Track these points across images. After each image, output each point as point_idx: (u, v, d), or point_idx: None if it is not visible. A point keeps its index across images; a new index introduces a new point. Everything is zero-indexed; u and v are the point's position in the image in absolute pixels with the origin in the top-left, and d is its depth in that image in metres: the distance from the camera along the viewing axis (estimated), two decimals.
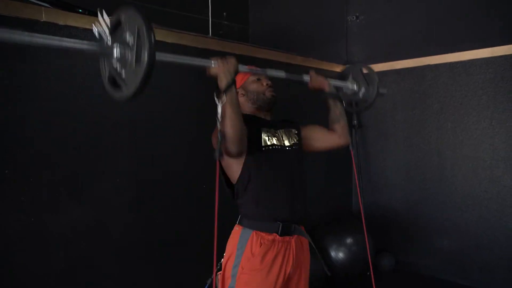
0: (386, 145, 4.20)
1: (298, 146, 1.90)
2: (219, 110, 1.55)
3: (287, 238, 1.73)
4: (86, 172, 2.45)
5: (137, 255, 2.61)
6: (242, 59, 3.17)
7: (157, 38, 2.68)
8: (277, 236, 1.70)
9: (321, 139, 2.01)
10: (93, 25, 1.39)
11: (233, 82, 1.57)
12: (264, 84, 1.88)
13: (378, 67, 4.20)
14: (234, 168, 1.72)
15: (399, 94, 4.07)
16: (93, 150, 2.47)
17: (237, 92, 1.64)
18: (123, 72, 1.36)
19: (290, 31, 4.80)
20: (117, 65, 1.37)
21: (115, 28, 1.39)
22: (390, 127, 4.15)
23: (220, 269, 1.75)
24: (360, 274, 3.68)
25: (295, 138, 1.90)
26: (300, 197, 1.82)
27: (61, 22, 2.32)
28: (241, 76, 1.86)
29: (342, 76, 2.25)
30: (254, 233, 1.70)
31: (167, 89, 2.79)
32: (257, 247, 1.67)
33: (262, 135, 1.75)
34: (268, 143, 1.75)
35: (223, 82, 1.57)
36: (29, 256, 2.26)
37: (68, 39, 1.34)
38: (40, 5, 2.27)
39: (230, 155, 1.62)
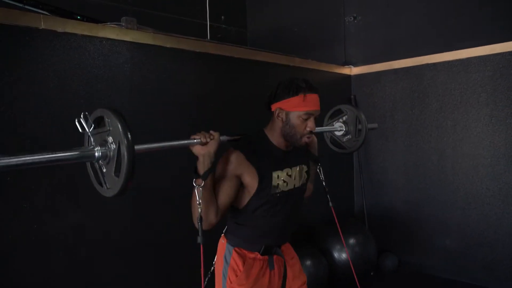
0: (386, 145, 4.21)
1: (305, 185, 1.90)
2: (196, 192, 1.54)
3: (267, 257, 1.77)
4: (84, 176, 2.46)
5: (137, 258, 2.62)
6: (240, 62, 3.23)
7: (156, 43, 2.75)
8: (258, 255, 1.75)
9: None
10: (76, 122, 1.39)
11: (211, 170, 1.55)
12: (308, 128, 1.66)
13: (376, 67, 4.23)
14: (240, 199, 1.70)
15: (397, 93, 4.09)
16: None
17: (213, 178, 1.60)
18: (105, 176, 1.38)
19: (288, 33, 4.83)
20: (100, 166, 1.39)
21: (98, 124, 1.39)
22: (390, 127, 4.17)
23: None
24: (362, 275, 3.70)
25: (305, 176, 1.86)
26: (291, 228, 1.87)
27: (59, 29, 2.34)
28: (295, 103, 1.64)
29: (339, 111, 2.43)
30: (237, 249, 1.74)
31: (168, 92, 2.81)
32: (241, 264, 1.71)
33: (273, 180, 1.68)
34: (278, 190, 1.70)
35: (201, 168, 1.55)
36: (31, 261, 2.27)
37: (51, 154, 1.29)
38: (39, 12, 2.29)
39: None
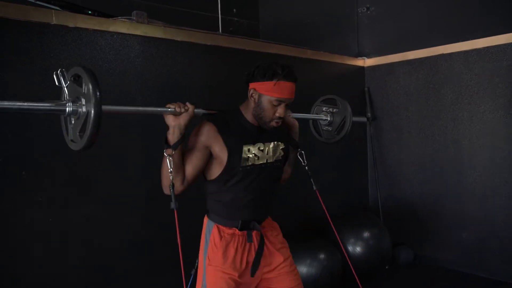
0: (401, 137, 4.16)
1: (280, 162, 1.90)
2: (167, 161, 1.61)
3: (245, 232, 1.79)
4: (99, 170, 2.49)
5: (150, 250, 2.64)
6: (252, 55, 3.21)
7: (166, 37, 2.74)
8: (236, 230, 1.77)
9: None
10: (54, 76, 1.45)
11: (180, 141, 1.63)
12: (276, 113, 1.71)
13: (390, 58, 4.17)
14: (211, 171, 1.76)
15: (412, 85, 4.02)
16: (105, 148, 2.49)
17: (182, 151, 1.68)
18: (73, 129, 1.44)
19: (301, 25, 4.79)
20: (71, 120, 1.45)
21: (75, 81, 1.44)
22: (404, 119, 4.11)
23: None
24: (378, 268, 3.67)
25: (280, 153, 1.87)
26: (265, 205, 1.88)
27: (71, 24, 2.35)
28: (268, 87, 1.68)
29: (329, 100, 2.41)
30: (216, 226, 1.78)
31: (179, 86, 2.81)
32: (218, 240, 1.76)
33: (243, 154, 1.73)
34: (248, 163, 1.74)
35: (171, 138, 1.63)
36: (47, 253, 2.31)
37: (27, 103, 1.36)
38: (51, 8, 2.30)
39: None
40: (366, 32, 4.38)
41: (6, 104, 1.31)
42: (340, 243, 2.74)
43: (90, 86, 1.31)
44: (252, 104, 1.74)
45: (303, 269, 3.16)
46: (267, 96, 1.69)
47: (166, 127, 1.68)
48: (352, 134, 4.17)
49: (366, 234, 3.56)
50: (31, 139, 2.24)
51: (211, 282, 1.76)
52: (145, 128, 2.63)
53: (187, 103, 1.66)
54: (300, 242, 3.35)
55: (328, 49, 4.07)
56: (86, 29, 2.41)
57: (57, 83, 1.44)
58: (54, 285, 2.33)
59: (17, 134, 2.19)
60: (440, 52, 3.79)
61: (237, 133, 1.73)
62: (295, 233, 3.47)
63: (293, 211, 3.39)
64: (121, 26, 2.54)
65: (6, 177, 2.16)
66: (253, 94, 1.72)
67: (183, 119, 1.63)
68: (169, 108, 1.63)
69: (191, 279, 1.89)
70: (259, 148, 1.77)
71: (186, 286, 1.76)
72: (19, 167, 2.20)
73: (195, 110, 1.68)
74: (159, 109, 1.65)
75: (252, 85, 1.72)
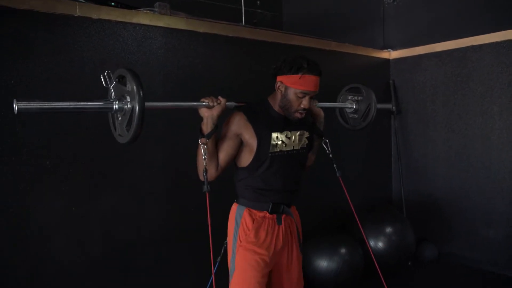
0: (426, 131, 4.05)
1: (305, 150, 1.99)
2: (201, 149, 1.75)
3: (275, 216, 1.88)
4: (123, 161, 2.50)
5: (173, 240, 2.64)
6: (275, 47, 3.16)
7: (189, 28, 2.72)
8: (267, 214, 1.86)
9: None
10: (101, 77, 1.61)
11: (213, 131, 1.75)
12: (301, 105, 1.81)
13: (416, 50, 4.05)
14: (243, 158, 1.87)
15: (439, 78, 3.90)
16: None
17: (216, 140, 1.82)
18: (120, 125, 1.60)
19: (325, 17, 4.70)
20: (118, 117, 1.61)
21: (120, 81, 1.59)
22: (430, 113, 3.99)
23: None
24: (400, 265, 3.60)
25: (305, 142, 1.97)
26: (292, 193, 1.96)
27: (94, 16, 2.36)
28: (294, 80, 1.78)
29: (354, 89, 2.50)
30: (247, 209, 1.87)
31: (201, 77, 2.79)
32: (250, 223, 1.84)
33: (272, 141, 1.83)
34: (277, 149, 1.85)
35: (205, 128, 1.76)
36: (70, 242, 2.34)
37: (81, 103, 1.56)
38: (75, 0, 2.31)
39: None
40: (392, 24, 4.26)
41: (61, 104, 1.48)
42: (365, 237, 2.69)
43: (134, 85, 1.46)
44: (279, 96, 1.85)
45: (324, 263, 3.12)
46: (292, 89, 1.79)
47: (199, 119, 1.79)
48: (376, 128, 4.14)
49: (388, 229, 3.48)
50: (55, 130, 2.26)
51: (241, 262, 1.82)
52: (168, 119, 2.63)
53: (219, 97, 1.79)
54: (321, 235, 3.32)
55: (353, 41, 3.98)
56: (109, 20, 2.41)
57: (104, 84, 1.58)
58: (76, 274, 2.37)
59: (42, 126, 2.22)
60: (470, 44, 3.66)
61: (266, 122, 1.84)
62: (317, 226, 3.43)
63: (316, 205, 3.35)
64: (143, 18, 2.53)
65: (31, 166, 2.19)
66: (280, 87, 1.83)
67: (215, 111, 1.75)
68: (203, 102, 1.76)
69: (216, 266, 1.92)
70: (286, 135, 1.87)
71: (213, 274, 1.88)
72: (44, 157, 2.23)
73: (227, 103, 1.81)
74: (195, 103, 1.79)
75: (279, 78, 1.83)
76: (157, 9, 2.59)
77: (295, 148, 1.91)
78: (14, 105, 1.35)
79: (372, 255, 2.40)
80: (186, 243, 2.68)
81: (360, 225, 2.45)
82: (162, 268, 2.65)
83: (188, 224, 2.69)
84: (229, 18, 3.19)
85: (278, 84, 1.83)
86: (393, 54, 4.25)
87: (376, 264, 2.20)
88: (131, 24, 2.49)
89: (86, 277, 2.40)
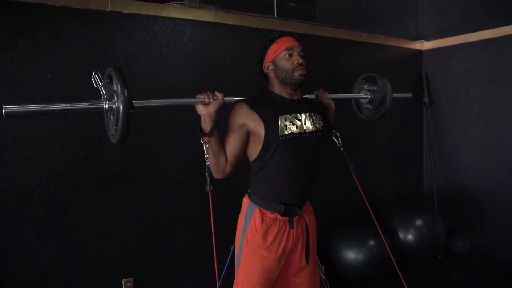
0: (460, 122, 3.83)
1: (321, 133, 1.79)
2: (204, 148, 1.63)
3: (287, 218, 1.73)
4: (153, 152, 2.49)
5: (199, 228, 2.60)
6: (306, 38, 3.06)
7: (217, 21, 2.66)
8: (279, 216, 1.71)
9: None
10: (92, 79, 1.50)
11: (213, 128, 1.62)
12: (295, 62, 1.68)
13: (450, 40, 3.84)
14: (252, 150, 1.72)
15: (474, 68, 3.67)
16: (158, 130, 2.51)
17: (219, 135, 1.66)
18: (111, 124, 1.50)
19: (358, 8, 4.52)
20: (110, 116, 1.50)
21: (110, 81, 1.48)
22: (464, 104, 3.77)
23: None
24: (430, 257, 3.45)
25: (319, 124, 1.78)
26: (309, 184, 1.79)
27: (125, 11, 2.34)
28: (274, 49, 1.72)
29: (371, 78, 2.26)
30: (258, 209, 1.72)
31: (231, 70, 2.73)
32: (259, 223, 1.70)
33: (280, 123, 1.66)
34: (286, 132, 1.67)
35: (204, 126, 1.63)
36: (102, 228, 2.36)
37: (70, 105, 1.44)
38: None
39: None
40: (425, 14, 4.05)
41: (50, 107, 1.42)
42: (380, 231, 2.57)
43: (119, 85, 1.37)
44: (273, 75, 1.74)
45: (351, 255, 3.02)
46: (278, 56, 1.71)
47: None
48: (408, 119, 3.97)
49: (419, 222, 3.33)
50: (87, 120, 2.27)
51: (246, 263, 1.72)
52: (194, 111, 2.59)
53: (216, 92, 1.64)
54: (349, 227, 3.22)
55: (385, 32, 3.81)
56: (140, 14, 2.38)
57: (94, 85, 1.50)
58: (107, 259, 2.39)
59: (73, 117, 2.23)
60: (508, 33, 3.42)
61: (271, 107, 1.70)
62: (345, 217, 3.33)
63: (345, 195, 3.25)
64: (173, 11, 2.49)
65: (66, 157, 2.21)
66: (269, 67, 1.74)
67: (212, 107, 1.61)
68: (198, 98, 1.62)
69: (230, 254, 1.85)
70: (296, 117, 1.71)
71: (225, 262, 1.80)
72: (77, 148, 2.24)
73: (225, 98, 1.67)
74: (189, 100, 1.66)
75: (264, 63, 1.76)
76: (186, 3, 2.54)
77: (307, 131, 1.71)
78: (3, 110, 1.29)
79: (388, 248, 2.28)
80: (216, 229, 2.65)
81: (374, 219, 2.26)
82: (191, 252, 2.63)
83: (218, 211, 2.66)
84: (262, 12, 3.10)
85: (267, 66, 1.74)
86: (426, 45, 4.04)
87: (392, 258, 2.08)
88: (161, 17, 2.45)
89: (119, 262, 2.43)
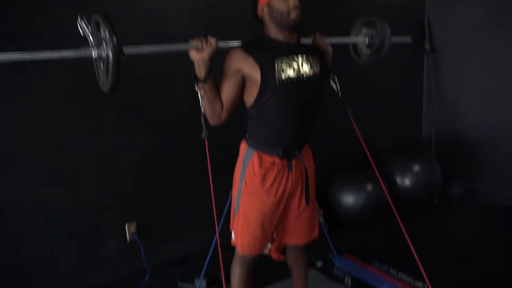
0: (461, 70, 3.76)
1: (319, 78, 1.74)
2: (199, 95, 1.60)
3: (285, 161, 1.72)
4: (150, 102, 2.48)
5: (198, 174, 2.63)
6: None
7: None
8: (277, 159, 1.70)
9: None
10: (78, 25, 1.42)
11: (207, 75, 1.57)
12: (291, 4, 1.62)
13: None
14: (249, 96, 1.67)
15: (479, 13, 3.55)
16: (156, 79, 2.49)
17: (214, 81, 1.62)
18: (102, 72, 1.45)
19: None
20: (100, 64, 1.45)
21: (98, 28, 1.40)
22: (466, 51, 3.69)
23: None
24: (426, 202, 3.51)
25: (316, 67, 1.72)
26: (307, 128, 1.78)
27: None
28: None
29: (372, 23, 2.13)
30: (256, 153, 1.71)
31: (230, 19, 2.65)
32: (258, 167, 1.69)
33: (277, 67, 1.61)
34: (283, 76, 1.62)
35: (198, 72, 1.59)
36: (103, 178, 2.40)
37: (57, 52, 1.36)
38: None
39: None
40: None
41: (36, 54, 1.33)
42: (378, 175, 2.59)
43: (107, 32, 1.32)
44: (268, 18, 1.66)
45: (350, 199, 3.07)
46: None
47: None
48: (408, 66, 3.90)
49: (416, 168, 3.36)
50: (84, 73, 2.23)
51: (245, 207, 1.74)
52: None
53: (209, 37, 1.58)
54: (348, 172, 3.25)
55: None
56: None
57: (81, 33, 1.42)
58: (109, 205, 2.45)
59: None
60: None
61: (267, 50, 1.64)
62: (344, 163, 3.36)
63: (344, 142, 3.26)
64: None
65: (62, 106, 2.20)
66: (264, 9, 1.66)
67: (206, 53, 1.56)
68: (192, 44, 1.57)
69: (229, 199, 1.87)
70: (292, 59, 1.65)
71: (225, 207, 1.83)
72: (73, 97, 2.23)
73: (219, 43, 1.60)
74: (182, 45, 1.60)
75: (259, 6, 1.68)
76: None
77: (305, 75, 1.66)
78: None
79: (386, 192, 2.30)
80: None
81: (374, 165, 2.24)
82: (190, 197, 2.69)
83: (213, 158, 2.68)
84: None
85: (262, 9, 1.66)
86: None
87: (390, 202, 2.10)
88: None
89: (121, 208, 2.48)
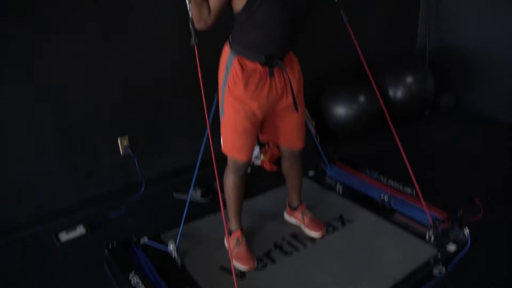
0: None
1: None
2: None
3: (267, 68, 1.68)
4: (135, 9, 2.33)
5: (188, 82, 2.55)
6: None
7: None
8: (259, 65, 1.66)
9: None
10: None
11: None
12: None
13: None
14: (237, 1, 1.56)
15: None
16: None
17: None
18: None
19: None
20: None
21: None
22: None
23: None
24: (417, 114, 3.52)
25: None
26: (294, 36, 1.69)
27: None
28: None
29: None
30: (238, 57, 1.66)
31: None
32: (240, 72, 1.66)
33: None
34: None
35: None
36: (92, 92, 2.33)
37: None
38: None
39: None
40: None
41: None
42: (374, 83, 2.55)
43: None
44: None
45: (341, 110, 3.05)
46: None
47: None
48: None
49: (409, 79, 3.31)
50: None
51: (230, 111, 1.72)
52: None
53: None
54: (340, 84, 3.20)
55: None
56: None
57: None
58: (100, 119, 2.39)
59: None
60: None
61: None
62: (337, 75, 3.30)
63: (338, 52, 3.17)
64: None
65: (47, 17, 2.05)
66: None
67: None
68: None
69: (214, 103, 1.83)
70: None
71: (210, 111, 1.78)
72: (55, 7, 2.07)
73: None
74: None
75: None
76: None
77: None
78: None
79: (381, 100, 2.27)
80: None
81: (369, 74, 2.19)
82: (181, 107, 2.65)
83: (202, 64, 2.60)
84: None
85: None
86: None
87: (385, 110, 2.09)
88: None
89: (112, 121, 2.44)
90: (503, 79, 3.46)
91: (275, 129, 1.88)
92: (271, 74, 1.69)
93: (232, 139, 1.78)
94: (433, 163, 2.84)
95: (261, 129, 1.87)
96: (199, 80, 1.53)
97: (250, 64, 1.66)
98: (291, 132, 1.88)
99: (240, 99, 1.68)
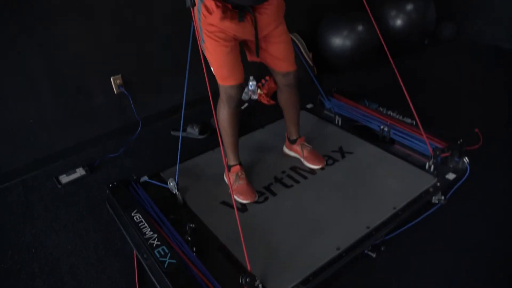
0: None
1: None
2: None
3: (237, 11, 1.61)
4: None
5: (181, 25, 2.47)
6: None
7: None
8: (230, 6, 1.59)
9: None
10: None
11: None
12: None
13: None
14: None
15: None
16: None
17: None
18: None
19: None
20: None
21: None
22: None
23: None
24: (417, 43, 3.39)
25: None
26: None
27: None
28: None
29: None
30: (207, 1, 1.59)
31: None
32: (215, 7, 1.58)
33: None
34: None
35: None
36: (80, 32, 2.20)
37: None
38: None
39: None
40: None
41: None
42: (370, 13, 2.42)
43: None
44: None
45: (339, 40, 2.92)
46: None
47: None
48: None
49: (409, 7, 3.15)
50: None
51: (208, 40, 1.65)
52: None
53: None
54: (337, 14, 3.05)
55: None
56: None
57: None
58: (91, 59, 2.29)
59: None
60: None
61: None
62: (335, 6, 3.13)
63: None
64: None
65: None
66: None
67: None
68: None
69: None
70: None
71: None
72: None
73: None
74: None
75: None
76: None
77: None
78: None
79: (377, 29, 2.16)
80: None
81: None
82: (174, 48, 2.52)
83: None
84: None
85: None
86: None
87: (382, 40, 1.98)
88: None
89: (104, 62, 2.34)
90: (507, 6, 3.30)
91: (262, 51, 1.80)
92: (241, 19, 1.61)
93: (218, 66, 1.72)
94: (433, 94, 2.77)
95: (248, 49, 1.81)
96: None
97: (219, 4, 1.58)
98: (282, 52, 1.80)
99: (215, 24, 1.60)
